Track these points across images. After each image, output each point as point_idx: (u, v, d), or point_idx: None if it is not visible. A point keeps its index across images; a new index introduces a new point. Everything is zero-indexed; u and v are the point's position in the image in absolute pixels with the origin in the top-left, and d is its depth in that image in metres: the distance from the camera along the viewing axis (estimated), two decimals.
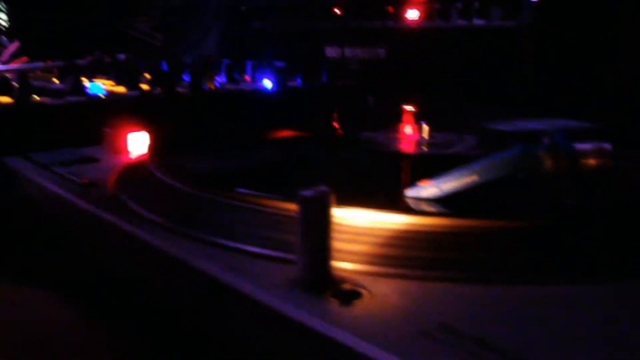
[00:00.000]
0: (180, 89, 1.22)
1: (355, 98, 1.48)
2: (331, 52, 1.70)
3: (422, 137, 0.95)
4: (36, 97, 1.04)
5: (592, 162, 0.57)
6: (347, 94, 1.48)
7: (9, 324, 0.66)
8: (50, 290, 0.73)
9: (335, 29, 1.70)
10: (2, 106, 0.98)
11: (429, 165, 0.83)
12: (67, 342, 0.63)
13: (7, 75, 1.10)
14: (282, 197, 0.59)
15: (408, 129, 1.03)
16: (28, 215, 0.84)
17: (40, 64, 1.45)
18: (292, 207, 0.55)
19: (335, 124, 1.14)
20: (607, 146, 0.57)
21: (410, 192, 0.62)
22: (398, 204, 0.61)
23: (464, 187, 0.59)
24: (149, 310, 0.62)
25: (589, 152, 0.57)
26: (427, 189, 0.61)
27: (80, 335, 0.64)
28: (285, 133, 1.07)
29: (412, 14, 1.54)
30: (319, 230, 0.45)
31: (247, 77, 1.44)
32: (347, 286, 0.46)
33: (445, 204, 0.60)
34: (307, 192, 0.45)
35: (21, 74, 1.05)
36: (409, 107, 1.08)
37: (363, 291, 0.45)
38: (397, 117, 1.08)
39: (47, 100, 1.04)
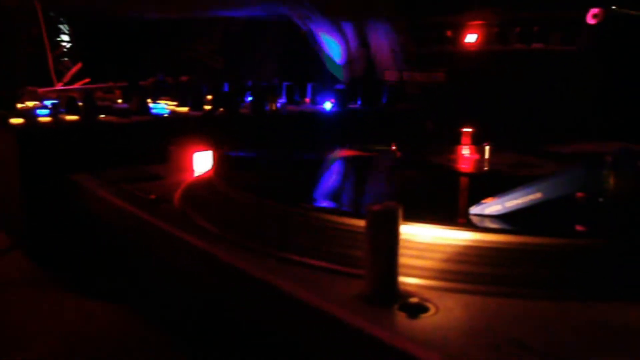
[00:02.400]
0: (242, 110, 1.23)
1: (414, 121, 1.48)
2: (390, 75, 1.70)
3: (484, 158, 0.95)
4: (102, 116, 1.05)
5: None
6: (406, 117, 1.48)
7: (74, 334, 0.67)
8: (116, 303, 0.74)
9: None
10: (68, 123, 1.00)
11: (490, 184, 0.83)
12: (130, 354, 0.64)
13: (73, 95, 1.12)
14: (349, 212, 0.60)
15: (466, 151, 1.03)
16: (94, 229, 0.86)
17: (102, 85, 1.48)
18: (358, 222, 0.56)
19: (394, 146, 1.14)
20: None
21: (474, 209, 0.62)
22: (463, 221, 0.61)
23: (527, 204, 0.59)
24: (212, 320, 0.63)
25: None
26: (491, 206, 0.61)
27: (144, 348, 0.65)
28: (345, 152, 1.07)
29: (471, 38, 1.54)
30: (387, 244, 0.46)
31: (307, 99, 1.45)
32: (414, 300, 0.46)
33: (509, 220, 0.60)
34: (376, 207, 0.46)
35: (87, 93, 1.07)
36: (467, 130, 1.08)
37: (430, 305, 0.46)
38: (456, 140, 1.08)
39: (113, 119, 1.05)
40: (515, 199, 0.60)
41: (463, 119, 1.12)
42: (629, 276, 0.51)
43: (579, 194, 0.63)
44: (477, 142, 1.04)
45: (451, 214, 0.66)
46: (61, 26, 1.91)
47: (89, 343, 0.66)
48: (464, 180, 0.88)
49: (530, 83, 1.40)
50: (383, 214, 0.45)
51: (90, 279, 0.82)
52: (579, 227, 0.61)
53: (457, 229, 0.55)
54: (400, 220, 0.46)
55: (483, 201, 0.62)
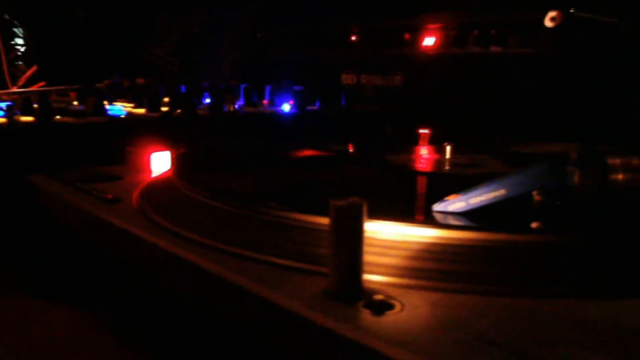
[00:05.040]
0: (200, 112, 1.23)
1: (372, 122, 1.48)
2: (347, 78, 1.70)
3: (445, 157, 0.96)
4: (58, 117, 1.04)
5: (620, 177, 0.57)
6: (364, 118, 1.49)
7: (27, 341, 0.66)
8: (73, 307, 0.73)
9: (351, 56, 1.71)
10: (24, 124, 0.99)
11: (451, 183, 0.84)
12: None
13: (29, 97, 1.10)
14: (310, 211, 0.59)
15: (424, 151, 1.04)
16: (49, 231, 0.85)
17: (56, 88, 1.46)
18: (321, 220, 0.55)
19: (350, 146, 1.14)
20: (637, 161, 0.57)
21: (437, 207, 0.62)
22: (426, 218, 0.61)
23: (491, 201, 0.59)
24: (175, 321, 0.62)
25: (617, 166, 0.57)
26: (455, 203, 0.61)
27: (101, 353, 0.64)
28: (305, 153, 1.07)
29: (429, 41, 1.54)
30: (351, 239, 0.45)
31: (265, 102, 1.45)
32: (379, 297, 0.46)
33: (472, 217, 0.60)
34: (340, 202, 0.45)
35: (42, 95, 1.06)
36: (424, 131, 1.10)
37: (395, 302, 0.45)
38: (413, 140, 1.09)
39: (69, 120, 1.04)
40: (479, 195, 0.60)
41: (420, 121, 1.13)
42: (593, 272, 0.51)
43: (537, 197, 0.63)
44: (434, 142, 1.05)
45: (414, 212, 0.66)
46: (15, 29, 1.89)
47: (44, 348, 0.64)
48: (425, 179, 0.88)
49: (488, 86, 1.41)
50: (347, 208, 0.45)
51: (46, 281, 0.80)
52: (536, 224, 0.60)
53: (421, 226, 0.55)
54: (365, 216, 0.45)
55: (446, 198, 0.62)
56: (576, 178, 0.57)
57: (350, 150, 1.12)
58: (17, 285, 0.79)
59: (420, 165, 0.96)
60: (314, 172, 0.91)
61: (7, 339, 0.66)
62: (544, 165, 0.59)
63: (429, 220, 0.60)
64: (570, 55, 1.29)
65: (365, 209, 0.45)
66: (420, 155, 1.03)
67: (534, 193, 0.63)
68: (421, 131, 1.11)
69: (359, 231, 0.45)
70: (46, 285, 0.79)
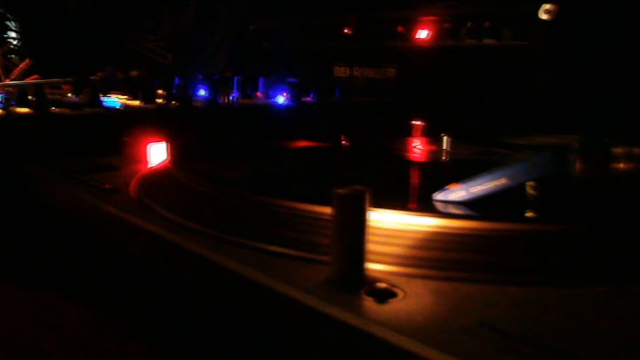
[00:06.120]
0: (195, 104, 1.23)
1: (366, 114, 1.49)
2: (340, 71, 1.70)
3: (442, 148, 0.96)
4: (54, 109, 1.04)
5: (622, 165, 0.57)
6: (358, 110, 1.49)
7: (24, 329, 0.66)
8: (70, 295, 0.73)
9: (345, 48, 1.70)
10: (21, 115, 0.98)
11: (447, 173, 0.84)
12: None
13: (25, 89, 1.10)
14: (309, 200, 0.59)
15: (417, 142, 1.05)
16: (47, 220, 0.84)
17: (49, 80, 1.45)
18: (319, 209, 0.55)
19: (343, 137, 1.14)
20: (638, 150, 0.57)
21: (438, 196, 0.62)
22: (427, 207, 0.61)
23: (493, 190, 0.59)
24: (173, 309, 0.62)
25: (619, 155, 0.57)
26: (456, 192, 0.61)
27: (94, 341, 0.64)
28: (302, 143, 1.07)
29: (422, 34, 1.54)
30: (354, 227, 0.45)
31: (259, 94, 1.44)
32: (381, 285, 0.46)
33: (474, 207, 0.59)
34: (343, 190, 0.45)
35: (37, 87, 1.06)
36: (417, 122, 1.10)
37: (397, 290, 0.45)
38: (406, 132, 1.10)
39: (65, 111, 1.04)
40: (480, 184, 0.60)
41: (414, 113, 1.14)
42: (595, 260, 0.51)
43: (530, 191, 0.63)
44: (428, 134, 1.06)
45: (415, 201, 0.66)
46: (9, 23, 1.88)
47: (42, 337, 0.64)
48: (424, 169, 0.88)
49: (482, 78, 1.41)
50: (350, 197, 0.45)
51: (43, 270, 0.80)
52: (536, 214, 0.60)
53: (422, 215, 0.55)
54: (368, 204, 0.45)
55: (447, 187, 0.62)
56: (578, 167, 0.57)
57: (345, 142, 1.12)
58: (10, 276, 0.79)
59: (418, 155, 0.96)
60: (309, 161, 0.91)
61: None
62: (546, 154, 0.59)
63: (430, 209, 0.60)
64: (565, 47, 1.29)
65: (368, 197, 0.45)
66: (418, 146, 1.03)
67: (528, 185, 0.63)
68: (415, 123, 1.12)
69: (362, 219, 0.45)
70: (42, 276, 0.79)
